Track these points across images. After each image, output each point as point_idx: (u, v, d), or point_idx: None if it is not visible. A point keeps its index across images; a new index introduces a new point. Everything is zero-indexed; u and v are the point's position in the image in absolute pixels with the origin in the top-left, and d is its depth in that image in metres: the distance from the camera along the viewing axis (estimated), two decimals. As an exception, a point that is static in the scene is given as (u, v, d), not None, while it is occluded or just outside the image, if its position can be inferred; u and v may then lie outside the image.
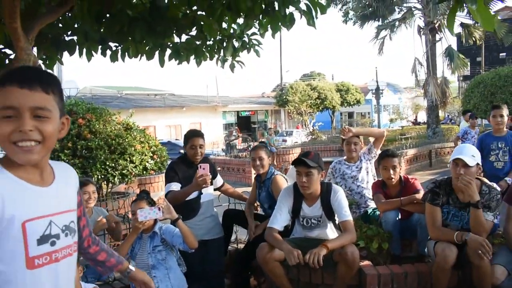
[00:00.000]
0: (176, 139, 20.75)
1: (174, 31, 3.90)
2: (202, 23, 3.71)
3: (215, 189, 4.16)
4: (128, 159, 6.38)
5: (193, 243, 3.16)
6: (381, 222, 3.51)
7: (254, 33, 4.29)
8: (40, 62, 4.02)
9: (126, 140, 6.51)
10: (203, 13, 3.49)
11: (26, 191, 1.22)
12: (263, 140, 19.35)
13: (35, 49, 3.33)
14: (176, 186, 3.60)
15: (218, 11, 3.22)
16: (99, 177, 6.17)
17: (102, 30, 3.61)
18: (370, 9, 17.72)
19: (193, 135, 3.76)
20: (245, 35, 4.36)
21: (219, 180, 4.13)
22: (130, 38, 3.67)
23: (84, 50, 4.04)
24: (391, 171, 3.59)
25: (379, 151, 4.21)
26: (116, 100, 27.15)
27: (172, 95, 33.61)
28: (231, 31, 4.22)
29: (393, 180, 3.61)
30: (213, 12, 3.20)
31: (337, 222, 3.13)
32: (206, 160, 4.00)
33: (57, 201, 1.31)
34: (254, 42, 4.41)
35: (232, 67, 4.61)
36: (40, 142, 1.22)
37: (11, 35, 2.31)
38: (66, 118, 1.34)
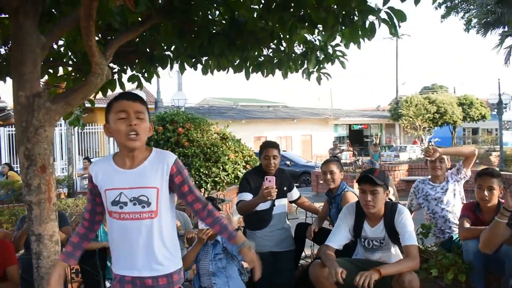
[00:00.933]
0: (284, 150, 21.00)
1: (255, 45, 3.97)
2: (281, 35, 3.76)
3: (290, 202, 4.13)
4: (221, 167, 6.65)
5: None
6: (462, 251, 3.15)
7: (337, 44, 4.19)
8: (140, 75, 4.42)
9: (221, 149, 6.79)
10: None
11: (115, 172, 1.93)
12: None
13: (111, 64, 3.65)
14: (247, 196, 3.65)
15: (288, 23, 3.21)
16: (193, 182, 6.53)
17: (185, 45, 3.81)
18: (494, 15, 16.13)
19: (267, 146, 3.80)
20: (329, 47, 4.28)
21: (295, 193, 4.08)
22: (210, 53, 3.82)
23: (176, 64, 4.32)
24: (486, 192, 3.19)
25: (469, 172, 3.80)
26: (230, 111, 28.44)
27: (285, 107, 34.16)
28: (316, 42, 4.18)
29: (487, 202, 3.21)
30: (284, 24, 3.20)
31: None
32: (282, 172, 4.00)
33: (132, 180, 1.89)
34: (339, 53, 4.31)
35: (318, 79, 4.54)
36: (139, 134, 1.87)
37: (87, 51, 2.58)
38: (151, 124, 2.01)
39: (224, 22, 3.75)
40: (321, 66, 4.38)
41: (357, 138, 34.10)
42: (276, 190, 3.36)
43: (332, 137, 31.25)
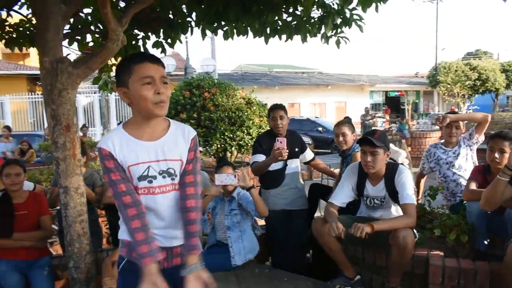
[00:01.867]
0: (316, 117, 20.95)
1: (270, 10, 4.04)
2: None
3: (304, 163, 4.26)
4: (246, 131, 6.84)
5: (264, 212, 3.39)
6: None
7: (354, 8, 4.19)
8: (163, 41, 4.58)
9: (246, 113, 6.95)
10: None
11: (135, 144, 1.74)
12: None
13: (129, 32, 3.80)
14: (260, 158, 3.82)
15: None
16: (218, 146, 6.76)
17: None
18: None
19: (273, 108, 3.94)
20: (347, 10, 4.28)
21: (308, 155, 4.21)
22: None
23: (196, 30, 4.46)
24: (497, 154, 3.21)
25: (482, 137, 3.80)
26: (264, 78, 28.39)
27: (320, 73, 33.74)
28: (334, 6, 4.20)
29: (497, 164, 3.24)
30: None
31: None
32: (294, 134, 4.14)
33: (158, 152, 1.76)
34: (356, 17, 4.32)
35: (337, 43, 4.57)
36: (165, 102, 1.73)
37: (103, 19, 2.76)
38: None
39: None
40: (339, 30, 4.41)
41: (393, 105, 33.42)
42: (287, 151, 3.51)
43: (368, 104, 30.79)
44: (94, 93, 19.41)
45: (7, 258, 3.07)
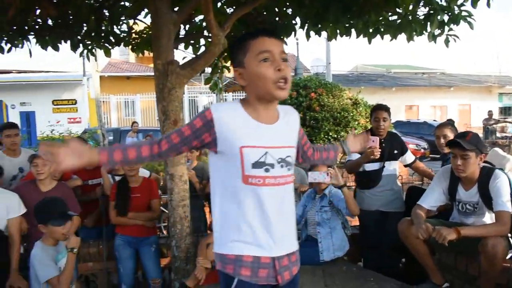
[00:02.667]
0: (434, 120, 19.70)
1: (371, 10, 4.03)
2: None
3: (405, 165, 4.18)
4: (350, 131, 6.82)
5: (355, 211, 3.43)
6: None
7: (462, 4, 4.00)
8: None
9: (351, 114, 6.94)
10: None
11: (251, 125, 1.51)
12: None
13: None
14: (355, 156, 3.85)
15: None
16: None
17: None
18: None
19: (377, 108, 3.91)
20: (455, 7, 4.10)
21: (409, 157, 4.10)
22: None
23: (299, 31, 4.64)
24: None
25: None
26: (380, 78, 27.52)
27: (442, 74, 31.61)
28: (442, 3, 4.06)
29: None
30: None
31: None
32: (394, 136, 4.09)
33: (276, 137, 1.54)
34: (465, 13, 4.11)
35: (446, 41, 4.40)
36: (287, 82, 1.50)
37: (207, 25, 3.07)
38: None
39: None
40: (446, 28, 4.23)
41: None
42: (380, 150, 3.50)
43: (496, 107, 27.99)
44: (214, 93, 20.71)
45: (122, 233, 3.57)
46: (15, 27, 4.23)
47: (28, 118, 20.06)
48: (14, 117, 19.29)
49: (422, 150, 14.32)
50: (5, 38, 4.40)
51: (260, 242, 1.52)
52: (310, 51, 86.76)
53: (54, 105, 20.37)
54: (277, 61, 1.48)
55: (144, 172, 4.11)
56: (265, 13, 4.38)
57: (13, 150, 4.06)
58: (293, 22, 4.52)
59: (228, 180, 1.53)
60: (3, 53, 4.47)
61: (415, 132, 16.97)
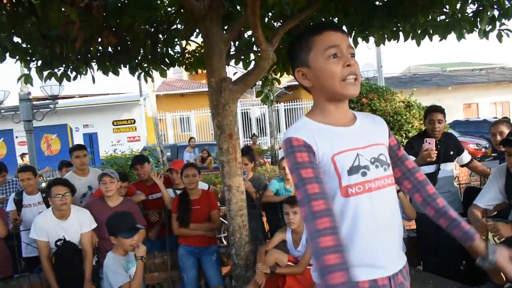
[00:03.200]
0: (494, 118, 18.74)
1: (417, 12, 4.02)
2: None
3: (461, 165, 4.10)
4: (404, 135, 6.72)
5: (411, 215, 3.44)
6: None
7: (513, -2, 3.90)
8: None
9: (405, 117, 6.84)
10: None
11: (330, 132, 1.35)
12: None
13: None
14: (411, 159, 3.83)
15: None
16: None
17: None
18: None
19: (432, 110, 3.87)
20: (507, 1, 4.01)
21: (465, 157, 4.03)
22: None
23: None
24: None
25: None
26: (435, 78, 26.66)
27: (502, 69, 30.06)
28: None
29: None
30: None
31: None
32: (450, 136, 4.03)
33: (360, 137, 1.38)
34: (516, 7, 4.00)
35: (499, 36, 4.31)
36: (358, 79, 1.38)
37: (256, 41, 3.21)
38: None
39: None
40: (497, 23, 4.14)
41: None
42: (436, 152, 3.46)
43: None
44: (265, 104, 20.96)
45: (184, 243, 3.76)
46: (79, 56, 4.61)
47: (91, 139, 21.24)
48: (78, 139, 20.55)
49: (483, 150, 13.69)
50: (70, 67, 4.80)
51: (375, 260, 1.33)
52: (361, 56, 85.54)
53: (114, 125, 21.46)
54: (345, 56, 1.35)
55: (202, 185, 4.31)
56: (311, 24, 4.49)
57: (82, 170, 4.40)
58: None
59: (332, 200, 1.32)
60: (69, 81, 4.86)
61: (475, 131, 16.26)
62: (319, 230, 1.17)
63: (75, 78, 4.95)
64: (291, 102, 21.85)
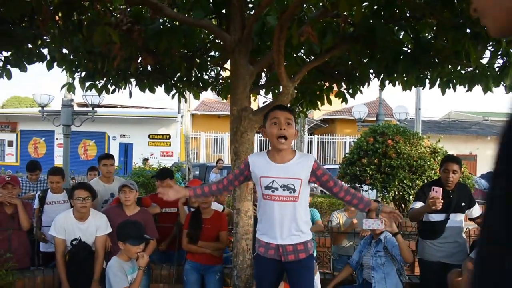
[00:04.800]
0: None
1: (440, 62, 4.13)
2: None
3: (470, 219, 4.10)
4: (426, 180, 6.70)
5: (408, 259, 3.49)
6: None
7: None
8: (345, 91, 5.10)
9: (428, 163, 6.84)
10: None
11: (267, 164, 2.52)
12: None
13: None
14: (418, 205, 3.88)
15: (462, 41, 3.36)
16: (396, 193, 6.79)
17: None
18: None
19: (449, 160, 3.91)
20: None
21: (475, 211, 4.02)
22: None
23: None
24: None
25: None
26: (475, 126, 26.09)
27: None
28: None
29: None
30: (455, 43, 3.38)
31: None
32: (464, 188, 4.05)
33: (283, 171, 2.47)
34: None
35: (526, 91, 4.36)
36: (287, 139, 2.45)
37: (278, 77, 3.41)
38: (297, 130, 2.61)
39: (410, 42, 4.05)
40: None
41: None
42: (442, 202, 3.51)
43: None
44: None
45: (191, 259, 3.92)
46: (120, 72, 4.96)
47: (127, 149, 21.95)
48: (114, 147, 21.28)
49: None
50: (111, 80, 5.16)
51: (270, 233, 2.54)
52: (396, 98, 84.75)
53: (150, 138, 22.11)
54: (281, 124, 2.44)
55: (217, 206, 4.48)
56: (340, 63, 4.67)
57: (107, 177, 4.67)
58: (369, 71, 4.73)
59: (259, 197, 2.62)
60: (108, 93, 5.22)
61: (511, 185, 15.76)
62: (220, 181, 2.78)
63: (113, 91, 5.31)
64: (325, 136, 21.93)
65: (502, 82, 4.33)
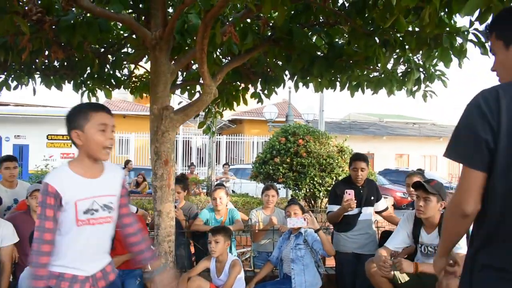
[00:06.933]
0: (419, 169, 20.03)
1: (352, 66, 4.39)
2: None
3: (376, 212, 4.41)
4: (335, 178, 7.09)
5: (330, 251, 3.68)
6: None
7: (436, 64, 4.36)
8: (260, 92, 5.19)
9: (336, 161, 7.23)
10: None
11: (79, 181, 1.95)
12: None
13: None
14: (334, 208, 4.07)
15: (373, 48, 3.61)
16: (307, 190, 7.10)
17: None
18: None
19: (356, 158, 4.17)
20: (430, 66, 4.46)
21: (381, 204, 4.32)
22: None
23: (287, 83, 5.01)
24: None
25: None
26: (372, 127, 28.14)
27: (433, 125, 32.39)
28: (420, 62, 4.44)
29: None
30: (366, 49, 3.61)
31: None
32: (371, 183, 4.34)
33: (101, 188, 2.00)
34: (439, 73, 4.49)
35: (424, 96, 4.78)
36: (110, 149, 2.00)
37: (201, 75, 3.39)
38: None
39: (324, 47, 4.25)
40: (422, 84, 4.59)
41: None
42: (355, 202, 3.78)
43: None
44: (207, 135, 21.11)
45: (110, 265, 3.72)
46: (23, 66, 4.56)
47: (21, 151, 20.18)
48: (7, 149, 19.46)
49: (409, 198, 14.53)
50: (12, 76, 4.72)
51: (79, 265, 1.98)
52: (304, 99, 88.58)
53: (49, 139, 20.56)
54: (109, 133, 1.98)
55: (131, 208, 4.31)
56: (257, 64, 4.75)
57: (10, 181, 4.27)
58: (284, 73, 4.89)
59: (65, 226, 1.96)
60: (9, 90, 4.77)
61: (403, 180, 17.26)
62: (42, 252, 1.88)
63: (15, 88, 4.87)
64: (234, 136, 22.15)
65: (403, 87, 4.70)
